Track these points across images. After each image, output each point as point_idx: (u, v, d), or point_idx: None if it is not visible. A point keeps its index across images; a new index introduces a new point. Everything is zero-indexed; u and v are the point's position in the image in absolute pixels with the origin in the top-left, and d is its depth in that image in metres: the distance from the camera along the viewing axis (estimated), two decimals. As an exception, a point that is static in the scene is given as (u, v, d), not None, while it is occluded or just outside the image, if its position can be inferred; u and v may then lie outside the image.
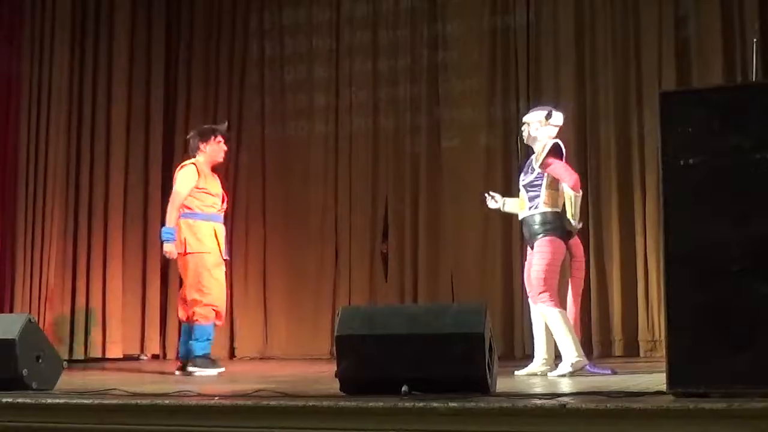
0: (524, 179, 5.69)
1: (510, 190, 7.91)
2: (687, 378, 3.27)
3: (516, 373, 5.54)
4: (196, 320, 6.23)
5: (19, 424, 3.90)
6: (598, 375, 5.28)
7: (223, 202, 6.50)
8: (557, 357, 5.60)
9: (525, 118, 5.81)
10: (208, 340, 6.23)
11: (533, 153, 5.75)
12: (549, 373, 5.37)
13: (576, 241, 5.65)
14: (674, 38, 7.74)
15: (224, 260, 6.44)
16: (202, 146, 6.49)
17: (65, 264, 8.19)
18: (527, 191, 5.65)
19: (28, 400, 3.98)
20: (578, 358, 5.35)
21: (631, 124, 7.80)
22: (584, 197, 7.62)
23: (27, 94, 8.33)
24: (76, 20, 8.51)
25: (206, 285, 6.25)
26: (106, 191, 8.40)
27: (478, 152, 8.34)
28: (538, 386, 4.68)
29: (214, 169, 6.61)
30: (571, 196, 5.53)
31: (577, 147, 7.89)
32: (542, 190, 5.57)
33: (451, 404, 3.34)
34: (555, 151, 5.59)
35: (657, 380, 3.87)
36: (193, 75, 9.19)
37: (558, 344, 5.44)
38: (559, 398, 3.41)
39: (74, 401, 3.91)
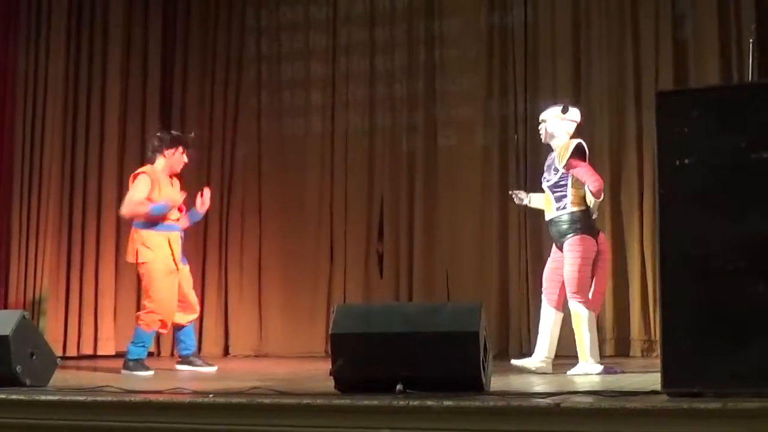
0: (548, 180, 5.67)
1: (506, 187, 7.95)
2: (681, 378, 3.28)
3: (512, 361, 5.60)
4: (139, 324, 6.30)
5: (13, 421, 3.92)
6: (604, 375, 5.30)
7: (180, 211, 6.47)
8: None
9: (542, 116, 5.81)
10: (143, 345, 6.25)
11: (551, 152, 5.75)
12: (568, 372, 5.37)
13: (602, 238, 5.67)
14: (671, 38, 7.72)
15: (184, 265, 6.44)
16: (165, 152, 6.47)
17: (59, 260, 8.19)
18: (552, 192, 5.63)
19: (22, 397, 4.00)
20: (597, 365, 5.37)
21: (627, 123, 7.79)
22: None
23: (23, 89, 8.32)
24: (72, 14, 8.49)
25: (153, 294, 6.26)
26: (99, 187, 8.38)
27: (474, 150, 8.34)
28: (532, 385, 4.69)
29: (174, 175, 6.58)
30: (591, 201, 5.55)
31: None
32: (568, 190, 5.56)
33: (446, 403, 3.36)
34: (578, 152, 5.59)
35: (652, 380, 3.88)
36: (190, 70, 9.15)
37: (579, 346, 5.45)
38: (554, 397, 3.42)
39: (68, 398, 3.93)
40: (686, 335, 3.31)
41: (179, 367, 6.46)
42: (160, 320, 6.26)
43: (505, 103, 8.23)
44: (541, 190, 5.80)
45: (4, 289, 8.08)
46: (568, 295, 5.50)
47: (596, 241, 5.55)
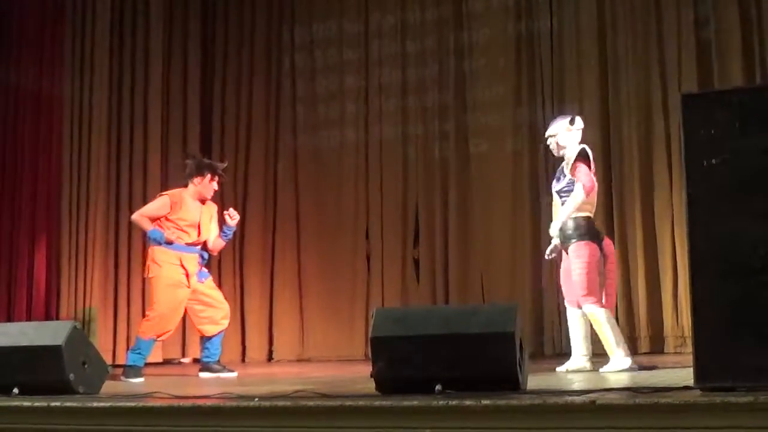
0: (556, 186, 5.81)
1: (536, 191, 8.05)
2: (714, 373, 3.31)
3: (557, 369, 5.66)
4: (138, 332, 6.55)
5: (67, 427, 3.99)
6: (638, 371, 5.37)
7: (198, 233, 6.63)
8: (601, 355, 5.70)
9: (549, 132, 5.91)
10: (140, 353, 6.42)
11: (563, 161, 5.86)
12: (600, 369, 5.45)
13: (607, 242, 5.77)
14: (694, 41, 7.79)
15: (199, 281, 6.60)
16: (196, 180, 6.66)
17: (107, 274, 8.41)
18: (560, 197, 5.76)
19: (75, 404, 4.06)
20: (626, 358, 5.45)
21: (654, 126, 7.86)
22: (609, 198, 7.76)
23: (69, 114, 8.53)
24: (114, 40, 8.70)
25: (155, 305, 6.50)
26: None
27: (505, 156, 8.43)
28: (567, 383, 4.75)
29: (204, 200, 6.73)
30: (576, 197, 5.61)
31: (602, 148, 7.99)
32: None
33: (484, 401, 3.39)
34: (582, 155, 5.70)
35: (685, 376, 3.93)
36: (228, 88, 9.34)
37: (605, 343, 5.54)
38: (589, 394, 3.45)
39: (119, 404, 3.98)
40: (718, 331, 3.34)
41: (201, 374, 6.60)
42: (157, 330, 6.45)
43: (533, 110, 8.32)
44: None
45: (56, 303, 8.30)
46: (579, 299, 5.61)
47: (600, 246, 5.64)
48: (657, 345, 7.58)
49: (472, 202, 8.52)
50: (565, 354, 7.40)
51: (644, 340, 7.63)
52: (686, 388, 3.49)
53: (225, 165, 7.04)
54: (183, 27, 9.18)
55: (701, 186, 3.44)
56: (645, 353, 7.44)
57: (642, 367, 5.50)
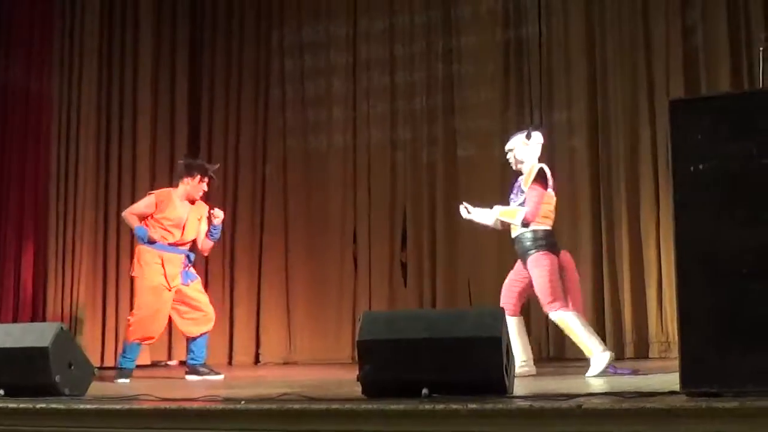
0: (515, 200, 5.88)
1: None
2: (700, 378, 3.32)
3: None
4: (125, 336, 6.59)
5: (52, 429, 3.99)
6: (620, 375, 5.38)
7: (182, 233, 6.64)
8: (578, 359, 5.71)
9: (507, 146, 6.00)
10: (126, 356, 6.47)
11: (521, 175, 5.93)
12: (586, 375, 5.47)
13: (564, 254, 5.82)
14: (682, 47, 7.82)
15: (183, 284, 6.61)
16: (186, 179, 6.69)
17: (95, 275, 8.39)
18: None
19: (61, 406, 4.07)
20: (606, 352, 5.49)
21: (641, 132, 7.89)
22: (596, 203, 7.80)
23: (57, 112, 8.52)
24: (103, 40, 8.70)
25: (136, 307, 6.59)
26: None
27: (492, 161, 8.43)
28: (554, 388, 4.77)
29: (194, 201, 6.76)
30: (515, 219, 5.68)
31: (589, 154, 8.03)
32: None
33: (471, 406, 3.40)
34: (540, 175, 5.77)
35: (670, 381, 3.94)
36: (216, 91, 9.34)
37: (581, 345, 5.57)
38: (575, 399, 3.46)
39: (105, 407, 3.99)
40: (704, 336, 3.35)
41: (188, 377, 6.62)
42: (140, 333, 6.48)
43: (521, 116, 8.36)
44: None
45: (42, 304, 8.28)
46: (544, 308, 5.70)
47: (558, 259, 5.70)
48: (642, 350, 7.61)
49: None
50: (552, 358, 7.46)
51: (629, 346, 7.65)
52: (672, 393, 3.48)
53: (216, 167, 7.06)
54: (172, 29, 9.18)
55: (688, 191, 3.45)
56: (630, 358, 7.46)
57: (617, 369, 5.53)
